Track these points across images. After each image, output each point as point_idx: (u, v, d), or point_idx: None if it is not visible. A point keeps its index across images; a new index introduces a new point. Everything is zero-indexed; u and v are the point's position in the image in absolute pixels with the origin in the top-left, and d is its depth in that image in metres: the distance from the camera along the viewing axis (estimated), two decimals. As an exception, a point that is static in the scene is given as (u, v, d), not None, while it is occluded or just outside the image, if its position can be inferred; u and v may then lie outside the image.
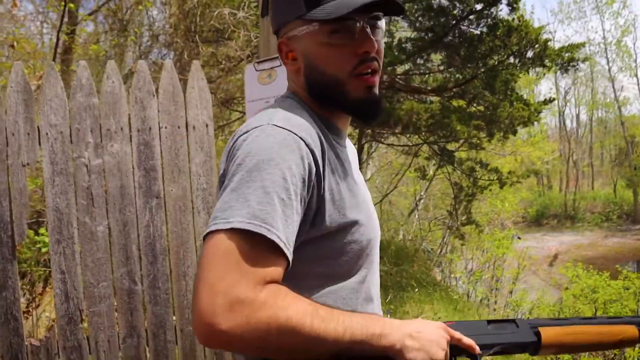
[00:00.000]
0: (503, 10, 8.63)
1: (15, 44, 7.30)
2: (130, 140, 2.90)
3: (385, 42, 7.97)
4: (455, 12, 7.21)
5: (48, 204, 2.83)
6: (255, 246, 0.83)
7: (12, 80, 2.83)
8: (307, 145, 0.93)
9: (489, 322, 1.04)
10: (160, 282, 2.96)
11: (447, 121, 6.80)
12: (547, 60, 7.82)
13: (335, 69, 1.04)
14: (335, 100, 1.07)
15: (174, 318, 3.02)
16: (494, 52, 7.75)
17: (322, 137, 0.99)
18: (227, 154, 0.98)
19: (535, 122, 8.25)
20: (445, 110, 6.97)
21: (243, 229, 0.82)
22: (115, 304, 2.95)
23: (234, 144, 0.96)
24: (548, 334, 1.04)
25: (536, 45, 7.67)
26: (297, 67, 1.08)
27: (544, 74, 9.25)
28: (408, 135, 9.57)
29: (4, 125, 2.79)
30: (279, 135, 0.92)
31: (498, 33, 7.29)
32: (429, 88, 8.75)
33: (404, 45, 7.54)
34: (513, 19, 7.14)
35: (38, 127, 2.83)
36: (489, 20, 7.25)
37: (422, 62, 8.67)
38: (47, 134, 2.82)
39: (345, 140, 1.16)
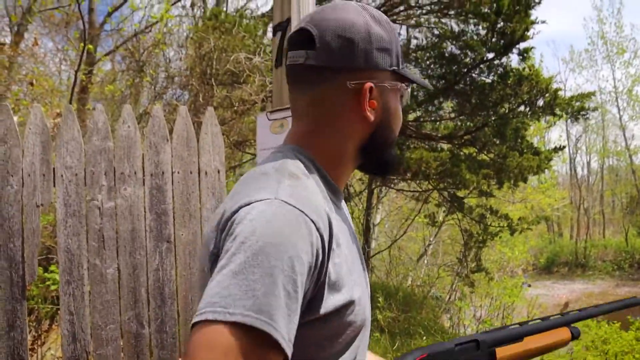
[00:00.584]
0: (514, 60, 8.73)
1: (34, 81, 7.48)
2: (143, 184, 2.94)
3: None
4: (467, 60, 7.34)
5: (59, 245, 2.87)
6: (258, 346, 0.73)
7: (31, 122, 2.90)
8: (317, 229, 0.85)
9: (456, 344, 1.09)
10: (168, 326, 2.97)
11: (456, 170, 6.84)
12: (557, 109, 7.91)
13: (397, 130, 1.08)
14: (381, 159, 1.08)
15: (180, 363, 3.01)
16: (504, 100, 7.85)
17: (329, 211, 0.92)
18: (221, 224, 0.87)
19: (546, 170, 8.27)
20: (454, 158, 7.02)
21: (248, 324, 0.72)
22: (122, 346, 2.95)
23: (233, 215, 0.85)
24: (503, 354, 1.14)
25: (547, 94, 7.76)
26: (369, 118, 1.01)
27: (554, 122, 9.30)
28: (418, 182, 9.62)
29: (21, 166, 2.85)
30: (288, 215, 0.83)
31: (509, 82, 7.41)
32: (439, 135, 8.84)
33: (415, 92, 7.65)
34: (524, 68, 7.25)
35: (54, 168, 2.89)
36: (500, 69, 7.37)
37: (433, 109, 8.79)
38: (62, 175, 2.88)
39: (342, 198, 1.12)
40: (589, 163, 32.89)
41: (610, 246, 26.87)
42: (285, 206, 0.84)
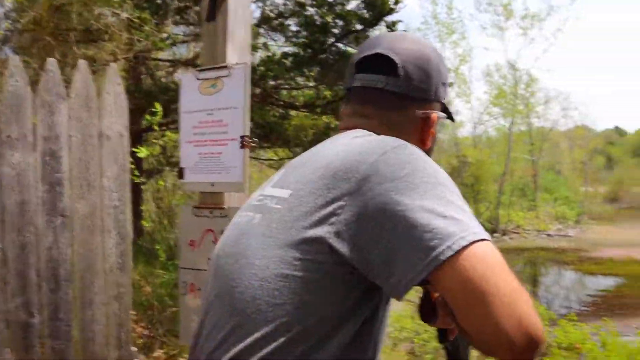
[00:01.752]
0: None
1: None
2: (34, 150, 2.51)
3: (266, 57, 7.93)
4: (335, 30, 7.33)
5: None
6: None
7: None
8: None
9: None
10: (63, 312, 2.60)
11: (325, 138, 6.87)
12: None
13: None
14: None
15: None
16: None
17: None
18: (374, 160, 0.89)
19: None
20: (328, 128, 7.05)
21: (488, 239, 0.82)
22: (8, 338, 2.53)
23: (384, 154, 0.90)
24: None
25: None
26: (428, 145, 1.12)
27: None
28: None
29: None
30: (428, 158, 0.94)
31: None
32: (297, 104, 8.81)
33: (283, 60, 7.51)
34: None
35: None
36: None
37: (290, 77, 8.72)
38: None
39: None
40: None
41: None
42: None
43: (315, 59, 7.96)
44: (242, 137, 2.20)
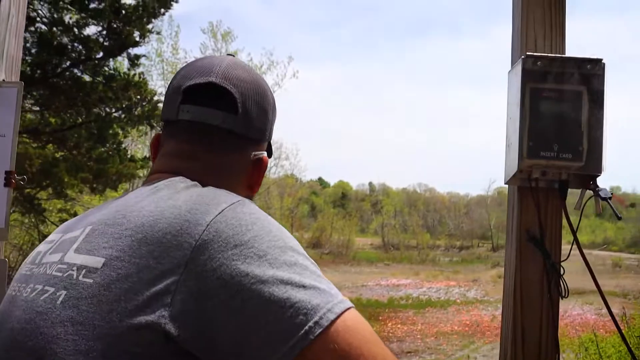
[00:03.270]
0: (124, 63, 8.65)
1: None
2: None
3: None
4: (74, 54, 6.91)
5: None
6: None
7: None
8: None
9: None
10: None
11: (56, 170, 6.33)
12: (154, 121, 8.13)
13: None
14: None
15: None
16: (104, 102, 7.66)
17: None
18: (196, 232, 0.73)
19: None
20: (56, 159, 6.51)
21: (353, 306, 0.75)
22: None
23: (221, 214, 0.75)
24: None
25: (146, 104, 7.92)
26: (255, 189, 1.03)
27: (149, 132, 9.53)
28: None
29: None
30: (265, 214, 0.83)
31: (114, 85, 7.28)
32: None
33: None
34: (134, 75, 7.25)
35: None
36: (108, 70, 7.20)
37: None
38: None
39: None
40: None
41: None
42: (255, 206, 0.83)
43: (46, 82, 7.37)
44: (7, 172, 1.95)
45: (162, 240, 0.71)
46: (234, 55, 1.02)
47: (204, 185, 0.86)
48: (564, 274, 1.40)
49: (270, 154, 1.03)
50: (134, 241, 0.73)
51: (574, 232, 1.39)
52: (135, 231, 0.74)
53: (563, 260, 1.41)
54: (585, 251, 1.46)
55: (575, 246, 1.38)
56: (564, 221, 1.45)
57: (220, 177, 0.92)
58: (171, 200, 0.78)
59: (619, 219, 1.37)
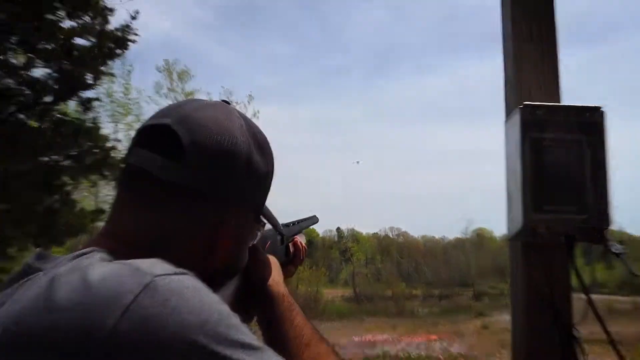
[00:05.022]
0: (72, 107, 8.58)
1: None
2: None
3: None
4: (21, 98, 6.82)
5: None
6: None
7: None
8: None
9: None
10: None
11: (-3, 223, 6.19)
12: (105, 170, 8.01)
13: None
14: None
15: None
16: (52, 150, 7.56)
17: None
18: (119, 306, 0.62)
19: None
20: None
21: None
22: None
23: (150, 284, 0.64)
24: None
25: (97, 152, 7.80)
26: (217, 264, 0.89)
27: (105, 183, 9.41)
28: None
29: None
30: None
31: (64, 131, 7.19)
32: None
33: None
34: (86, 120, 7.18)
35: None
36: (57, 115, 7.11)
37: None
38: None
39: None
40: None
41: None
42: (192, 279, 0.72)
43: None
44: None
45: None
46: (229, 103, 0.93)
47: (128, 253, 0.75)
48: (580, 338, 1.39)
49: (258, 221, 0.94)
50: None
51: (586, 293, 1.39)
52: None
53: (578, 323, 1.40)
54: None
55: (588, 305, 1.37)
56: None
57: (159, 239, 0.81)
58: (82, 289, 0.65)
59: (636, 276, 1.37)
